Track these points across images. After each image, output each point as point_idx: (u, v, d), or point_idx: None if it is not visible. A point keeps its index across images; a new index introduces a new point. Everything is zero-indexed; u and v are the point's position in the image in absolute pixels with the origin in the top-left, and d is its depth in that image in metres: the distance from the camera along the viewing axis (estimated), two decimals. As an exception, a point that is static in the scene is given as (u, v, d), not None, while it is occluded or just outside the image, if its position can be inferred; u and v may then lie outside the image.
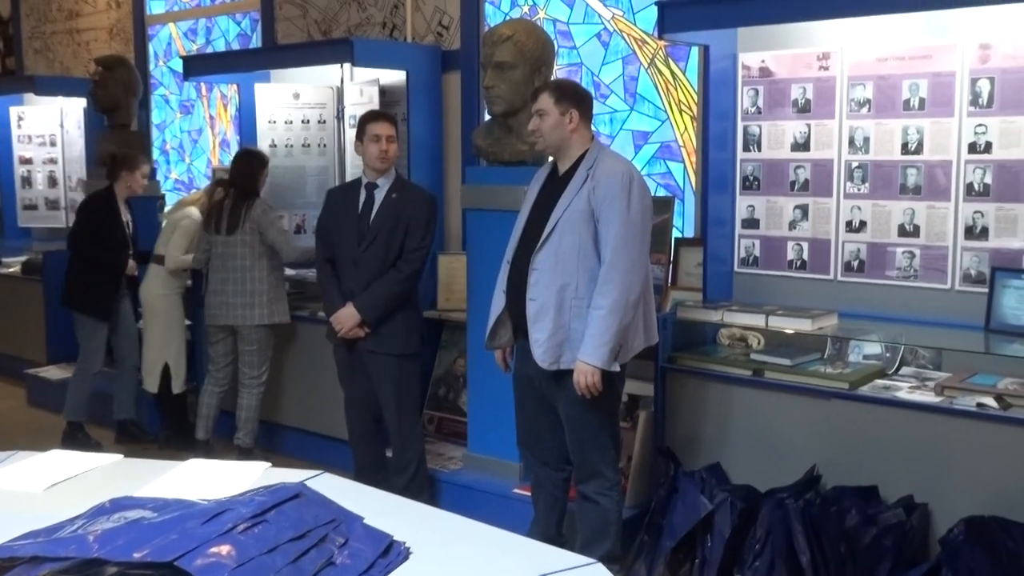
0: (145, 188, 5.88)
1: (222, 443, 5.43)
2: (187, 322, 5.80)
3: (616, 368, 3.40)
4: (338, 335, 4.35)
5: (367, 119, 4.38)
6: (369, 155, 4.34)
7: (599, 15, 5.09)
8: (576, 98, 3.53)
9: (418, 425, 4.58)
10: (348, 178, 5.83)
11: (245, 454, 5.24)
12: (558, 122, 3.50)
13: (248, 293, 5.15)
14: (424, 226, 4.34)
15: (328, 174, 6.04)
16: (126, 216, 5.78)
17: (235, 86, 6.66)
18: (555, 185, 3.55)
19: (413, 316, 4.46)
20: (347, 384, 4.52)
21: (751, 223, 4.31)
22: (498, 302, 3.65)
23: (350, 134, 5.84)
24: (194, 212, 5.64)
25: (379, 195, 4.37)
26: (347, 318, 4.31)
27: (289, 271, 5.44)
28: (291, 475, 2.31)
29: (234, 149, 7.19)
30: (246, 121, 6.18)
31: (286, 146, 6.00)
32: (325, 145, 6.04)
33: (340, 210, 4.41)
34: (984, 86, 3.67)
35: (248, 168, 5.22)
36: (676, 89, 4.86)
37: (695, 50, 4.71)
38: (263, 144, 5.90)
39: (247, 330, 5.18)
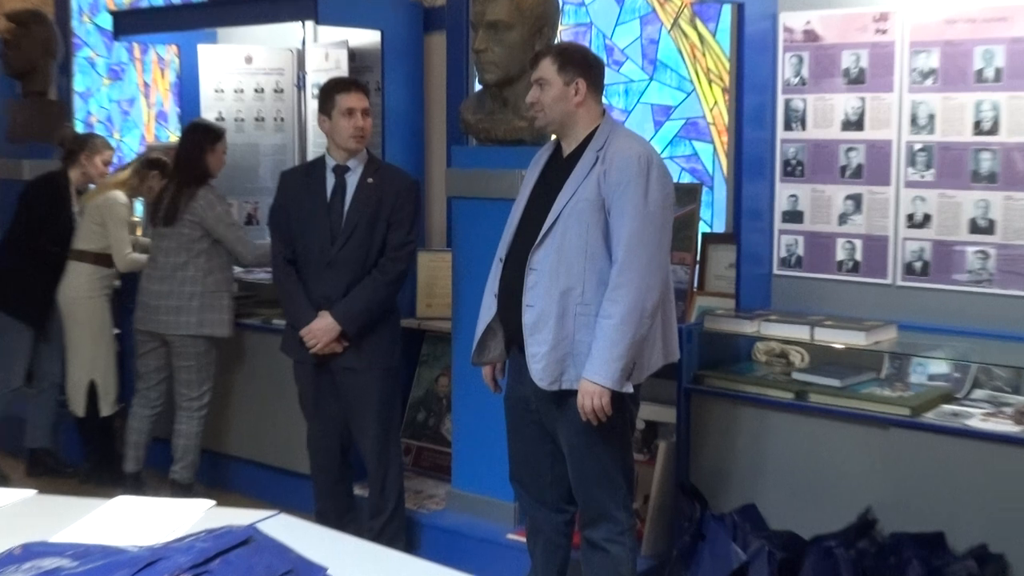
0: (103, 177, 5.88)
1: (156, 477, 5.43)
2: (115, 330, 5.80)
3: (629, 389, 3.40)
4: (310, 351, 4.34)
5: (335, 89, 4.36)
6: (341, 133, 4.31)
7: (612, -35, 5.13)
8: (584, 65, 3.53)
9: (401, 456, 4.59)
10: (310, 159, 5.81)
11: (184, 490, 5.23)
12: (562, 94, 3.51)
13: (177, 296, 5.14)
14: (410, 217, 4.35)
15: (286, 153, 6.04)
16: (77, 207, 5.79)
17: (175, 47, 6.65)
18: (558, 169, 3.55)
19: (396, 323, 4.48)
20: (311, 408, 4.51)
21: (793, 216, 4.31)
22: (488, 308, 3.64)
23: (313, 106, 5.83)
24: (121, 196, 5.64)
25: (352, 180, 4.35)
26: (324, 331, 4.29)
27: (238, 269, 5.44)
28: (240, 516, 2.31)
29: (173, 123, 7.19)
30: (188, 90, 6.17)
31: (236, 120, 6.00)
32: (283, 119, 6.04)
33: (302, 200, 4.38)
34: (1073, 54, 3.69)
35: (192, 146, 5.20)
36: (704, 55, 4.86)
37: (727, 9, 4.71)
38: (208, 117, 5.88)
39: (178, 341, 5.17)
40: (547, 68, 3.52)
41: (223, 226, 5.08)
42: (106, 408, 5.71)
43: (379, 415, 4.39)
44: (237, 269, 5.41)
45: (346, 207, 4.32)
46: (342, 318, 4.27)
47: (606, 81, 3.71)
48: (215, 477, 5.63)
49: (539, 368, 3.44)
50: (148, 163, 5.71)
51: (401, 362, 4.51)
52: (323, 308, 4.31)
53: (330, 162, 4.38)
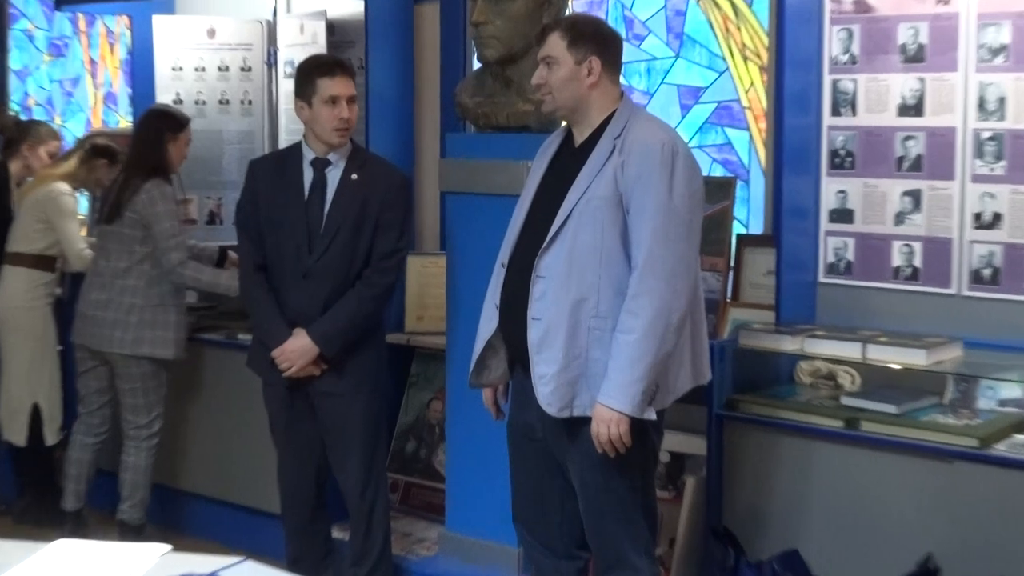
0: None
1: (101, 516, 5.42)
2: (58, 346, 5.80)
3: (651, 415, 3.40)
4: (283, 373, 4.32)
5: (316, 71, 4.32)
6: (323, 126, 4.28)
7: (632, -75, 5.13)
8: (598, 41, 3.53)
9: (387, 493, 4.59)
10: (282, 146, 5.80)
11: (133, 533, 5.23)
12: (573, 74, 3.51)
13: (115, 308, 5.13)
14: (400, 220, 4.35)
15: (254, 141, 6.04)
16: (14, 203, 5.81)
17: (125, 19, 6.64)
18: (569, 160, 3.55)
19: (381, 339, 4.48)
20: (283, 435, 4.50)
21: (842, 215, 4.30)
22: (488, 321, 3.64)
23: (286, 87, 5.84)
24: (66, 188, 5.64)
25: (334, 176, 4.34)
26: (300, 352, 4.28)
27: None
28: (199, 563, 2.31)
29: (124, 106, 7.19)
30: (140, 68, 6.17)
31: (197, 103, 5.99)
32: (251, 102, 6.04)
33: (275, 197, 4.37)
34: None
35: (151, 134, 5.20)
36: (739, 29, 4.86)
37: (766, -25, 4.73)
38: (164, 99, 5.90)
39: (120, 362, 5.17)
40: (556, 44, 3.52)
41: (160, 228, 5.03)
42: (51, 436, 5.69)
43: (362, 446, 4.38)
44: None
45: (326, 208, 4.31)
46: (321, 339, 4.26)
47: (624, 59, 3.71)
48: (170, 517, 5.62)
49: (547, 391, 3.44)
50: (95, 151, 5.71)
51: (388, 384, 4.50)
52: (298, 325, 4.29)
53: (308, 154, 4.36)
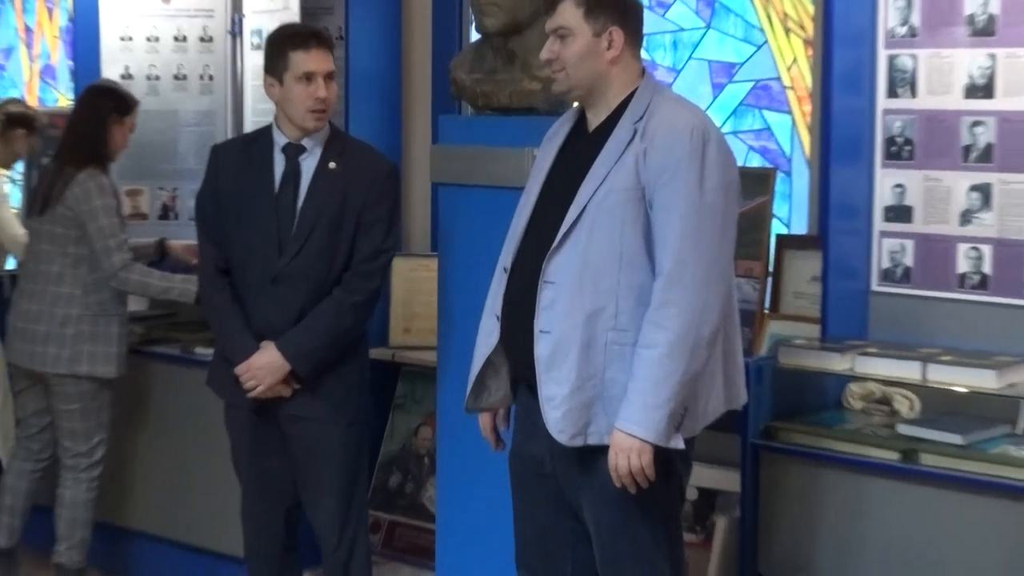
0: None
1: (36, 558, 5.41)
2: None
3: (679, 444, 3.39)
4: (248, 393, 4.32)
5: (289, 43, 4.31)
6: (296, 107, 4.29)
7: None
8: (618, 9, 3.53)
9: (367, 534, 4.59)
10: (248, 128, 5.82)
11: (72, 577, 5.24)
12: (591, 47, 3.50)
13: (48, 319, 5.14)
14: (387, 216, 4.35)
15: (215, 123, 6.05)
16: None
17: (66, -20, 6.67)
18: (582, 148, 3.55)
19: (363, 355, 4.48)
20: (248, 468, 4.51)
21: (900, 213, 4.31)
22: (488, 335, 3.64)
23: (252, 60, 5.84)
24: None
25: (309, 165, 4.34)
26: (268, 369, 4.27)
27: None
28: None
29: (64, 81, 7.19)
30: (84, 38, 6.16)
31: (149, 78, 6.01)
32: (211, 77, 6.04)
33: (241, 189, 4.36)
34: None
35: (92, 114, 5.21)
36: (780, -5, 4.89)
37: (811, -67, 4.74)
38: (111, 74, 5.91)
39: (55, 381, 5.17)
40: (570, 13, 3.51)
41: (94, 224, 5.03)
42: (4, 452, 5.65)
43: (339, 481, 4.38)
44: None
45: (300, 202, 4.31)
46: (293, 354, 4.25)
47: (646, 30, 3.71)
48: (115, 560, 5.63)
49: (557, 416, 3.43)
50: (10, 120, 5.72)
51: (369, 407, 4.49)
52: (266, 338, 4.29)
53: (279, 139, 4.36)
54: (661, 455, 3.36)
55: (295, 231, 4.29)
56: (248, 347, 4.30)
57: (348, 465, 4.40)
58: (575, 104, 3.72)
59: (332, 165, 4.33)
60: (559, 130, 3.70)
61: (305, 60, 4.26)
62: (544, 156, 3.68)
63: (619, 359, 3.39)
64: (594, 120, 3.57)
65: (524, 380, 3.58)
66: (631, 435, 3.33)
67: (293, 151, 4.35)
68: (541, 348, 3.44)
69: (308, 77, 4.26)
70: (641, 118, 3.45)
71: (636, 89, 3.53)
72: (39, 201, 5.14)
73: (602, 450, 3.41)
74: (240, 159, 4.43)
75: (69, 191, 5.05)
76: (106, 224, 5.05)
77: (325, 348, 4.28)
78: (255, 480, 4.50)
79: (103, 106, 5.20)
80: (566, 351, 3.41)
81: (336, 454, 4.37)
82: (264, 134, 4.43)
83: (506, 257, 3.63)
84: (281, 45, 4.31)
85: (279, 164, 4.35)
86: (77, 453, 5.23)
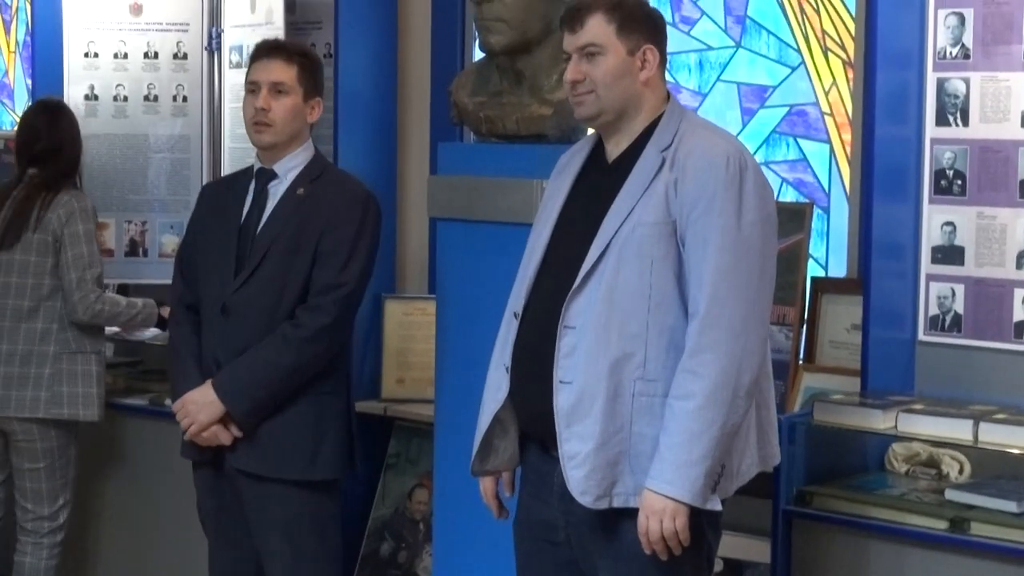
0: None
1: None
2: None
3: (716, 506, 3.38)
4: (183, 433, 4.34)
5: (252, 56, 4.46)
6: (245, 120, 4.40)
7: None
8: (651, 25, 3.54)
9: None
10: (227, 158, 5.84)
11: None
12: (624, 67, 3.49)
13: (21, 360, 5.14)
14: (349, 245, 4.32)
15: (189, 149, 6.04)
16: None
17: (26, -11, 6.68)
18: (601, 179, 3.55)
19: (332, 409, 4.44)
20: (212, 525, 4.53)
21: (950, 254, 4.31)
22: (496, 389, 3.62)
23: (232, 79, 5.84)
24: None
25: (276, 191, 4.38)
26: (200, 404, 4.28)
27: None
28: None
29: (22, 101, 7.19)
30: (44, 53, 6.19)
31: (116, 99, 6.02)
32: (185, 98, 6.05)
33: (214, 220, 4.42)
34: None
35: (65, 130, 5.27)
36: (818, 12, 4.88)
37: (852, -56, 4.75)
38: (75, 93, 5.92)
39: (22, 431, 5.16)
40: (600, 29, 3.50)
41: (76, 251, 5.08)
42: None
43: (289, 552, 4.34)
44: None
45: (260, 228, 4.34)
46: (226, 389, 4.24)
47: (669, 48, 3.71)
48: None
49: (580, 475, 3.39)
50: None
51: (343, 469, 4.43)
52: (215, 374, 4.32)
53: (256, 165, 4.44)
54: (696, 519, 3.35)
55: (250, 257, 4.31)
56: (189, 381, 4.33)
57: (298, 534, 4.35)
58: (590, 131, 3.71)
59: (300, 191, 4.35)
60: (572, 160, 3.70)
61: (252, 70, 4.38)
62: (557, 189, 3.67)
63: (648, 412, 3.38)
64: (614, 149, 3.56)
65: (537, 438, 3.56)
66: (664, 495, 3.31)
67: (265, 177, 4.40)
68: (562, 400, 3.43)
69: (252, 88, 4.34)
70: (669, 146, 3.45)
71: (662, 114, 3.54)
72: (6, 232, 5.14)
73: (626, 513, 3.40)
74: (222, 191, 4.52)
75: (50, 214, 5.07)
76: (87, 252, 5.10)
77: (262, 387, 4.25)
78: (219, 540, 4.51)
79: (73, 120, 5.27)
80: (590, 403, 3.39)
81: (281, 518, 4.33)
82: (252, 166, 4.50)
83: (516, 301, 3.61)
84: (250, 60, 4.45)
85: (250, 193, 4.40)
86: (39, 516, 5.23)
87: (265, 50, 4.41)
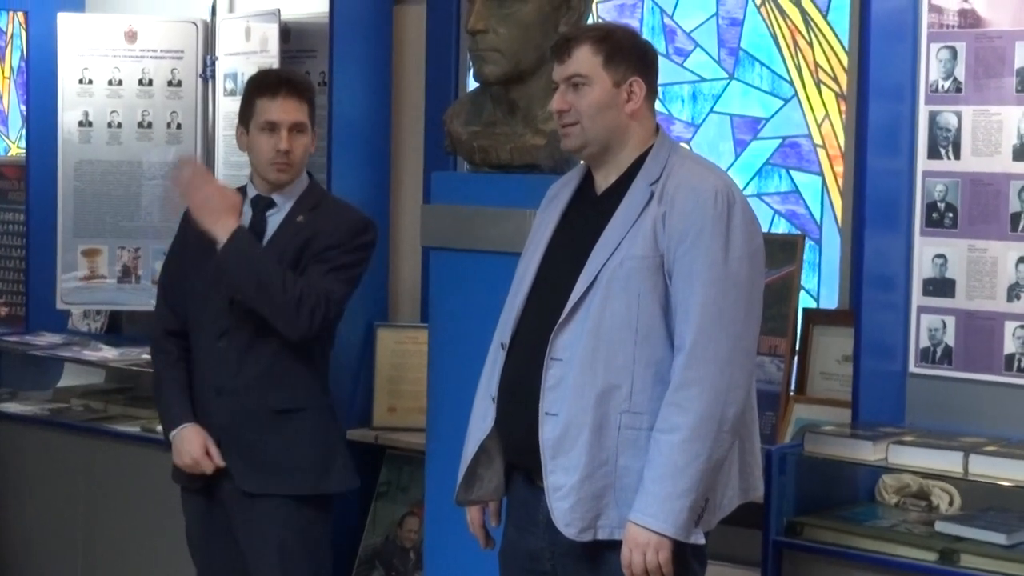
0: None
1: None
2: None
3: (700, 540, 3.39)
4: (182, 468, 4.37)
5: (257, 90, 4.40)
6: (259, 158, 4.36)
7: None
8: (638, 57, 3.55)
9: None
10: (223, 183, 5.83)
11: None
12: (609, 99, 3.51)
13: None
14: (343, 259, 4.34)
15: (183, 177, 6.06)
16: None
17: (20, 15, 6.67)
18: (589, 211, 3.57)
19: (333, 423, 4.49)
20: (201, 553, 4.54)
21: (941, 287, 4.32)
22: (481, 419, 3.63)
23: (226, 106, 5.86)
24: None
25: (275, 219, 4.40)
26: (198, 443, 4.32)
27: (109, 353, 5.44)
28: None
29: (15, 127, 7.20)
30: (39, 80, 6.23)
31: (110, 125, 6.03)
32: (179, 125, 6.05)
33: (204, 245, 4.37)
34: None
35: None
36: (811, 45, 4.90)
37: (846, -23, 4.77)
38: (69, 119, 5.95)
39: None
40: (586, 60, 3.51)
41: None
42: None
43: (279, 570, 4.34)
44: (110, 351, 5.41)
45: None
46: (230, 247, 4.22)
47: (662, 79, 3.73)
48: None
49: (565, 507, 3.40)
50: None
51: (339, 485, 4.45)
52: (210, 403, 4.33)
53: (250, 191, 4.44)
54: (680, 553, 3.36)
55: None
56: (178, 416, 4.36)
57: (291, 555, 4.35)
58: (581, 162, 3.73)
59: (300, 219, 4.37)
60: (561, 191, 3.70)
61: (269, 108, 4.32)
62: (545, 220, 3.68)
63: (633, 445, 3.39)
64: (603, 181, 3.57)
65: (522, 469, 3.57)
66: (648, 529, 3.32)
67: (262, 204, 4.40)
68: (547, 432, 3.43)
69: (271, 127, 4.31)
70: (657, 179, 3.46)
71: (651, 147, 3.55)
72: None
73: (611, 545, 3.40)
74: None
75: None
76: None
77: (258, 267, 4.23)
78: (208, 566, 4.54)
79: None
80: (576, 435, 3.40)
81: (274, 539, 4.33)
82: (240, 189, 4.48)
83: (504, 332, 3.61)
84: (250, 91, 4.41)
85: (246, 218, 4.39)
86: None
87: (282, 88, 4.36)
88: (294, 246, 4.32)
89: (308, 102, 4.39)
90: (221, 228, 4.24)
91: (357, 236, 4.39)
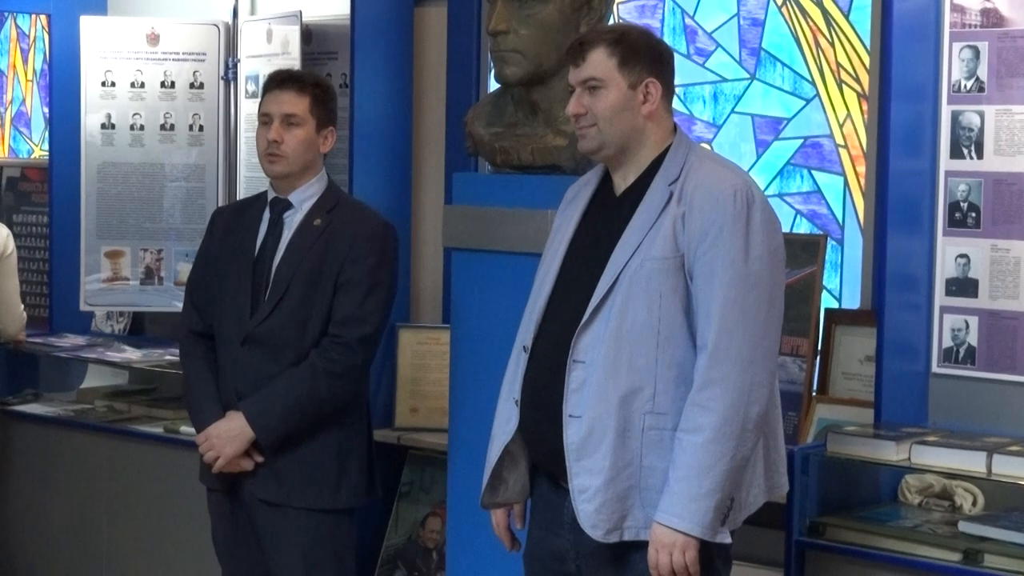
0: None
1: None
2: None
3: (726, 539, 3.39)
4: (211, 468, 4.35)
5: (264, 86, 4.49)
6: (257, 150, 4.43)
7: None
8: (654, 58, 3.54)
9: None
10: (242, 187, 5.87)
11: None
12: (626, 101, 3.51)
13: None
14: (370, 277, 4.35)
15: (204, 178, 6.08)
16: None
17: (43, 18, 6.70)
18: (608, 212, 3.57)
19: (351, 439, 4.46)
20: (225, 552, 4.54)
21: (964, 287, 4.32)
22: (505, 422, 3.63)
23: (247, 109, 5.87)
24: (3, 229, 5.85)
25: (292, 221, 4.40)
26: (228, 438, 4.30)
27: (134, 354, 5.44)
28: None
29: (38, 129, 7.23)
30: (62, 82, 6.25)
31: (132, 128, 6.05)
32: (202, 127, 6.07)
33: (227, 248, 4.44)
34: None
35: None
36: (832, 45, 4.89)
37: (867, -23, 4.76)
38: (92, 122, 5.97)
39: None
40: (601, 62, 3.52)
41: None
42: None
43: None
44: (133, 353, 5.42)
45: (277, 260, 4.36)
46: (256, 415, 4.25)
47: (684, 80, 3.73)
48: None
49: (590, 509, 3.40)
50: None
51: (362, 497, 4.45)
52: (232, 407, 4.32)
53: (270, 194, 4.45)
54: (705, 553, 3.36)
55: (269, 290, 4.33)
56: (209, 412, 4.34)
57: (315, 560, 4.36)
58: (599, 163, 3.73)
59: (317, 222, 4.37)
60: (580, 193, 3.70)
61: (264, 101, 4.39)
62: (565, 221, 3.68)
63: (658, 445, 3.39)
64: (622, 182, 3.57)
65: (546, 471, 3.57)
66: (674, 529, 3.32)
67: (279, 207, 4.41)
68: (571, 435, 3.43)
69: (265, 119, 4.35)
70: (676, 179, 3.46)
71: (669, 147, 3.55)
72: None
73: (636, 546, 3.41)
74: (232, 220, 4.52)
75: None
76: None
77: (293, 418, 4.27)
78: (233, 567, 4.53)
79: None
80: (600, 437, 3.40)
81: (298, 545, 4.34)
82: (260, 197, 4.52)
83: (525, 335, 3.61)
84: (262, 90, 4.48)
85: (264, 223, 4.42)
86: None
87: (277, 81, 4.42)
88: (313, 256, 4.32)
89: (311, 96, 4.39)
90: (239, 442, 4.28)
91: (377, 247, 4.39)
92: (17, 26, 7.45)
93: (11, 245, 5.96)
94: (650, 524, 3.36)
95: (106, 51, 6.05)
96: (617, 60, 3.50)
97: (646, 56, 3.52)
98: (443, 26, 5.53)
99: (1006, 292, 4.25)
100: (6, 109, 7.55)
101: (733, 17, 5.09)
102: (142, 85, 6.05)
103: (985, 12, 4.24)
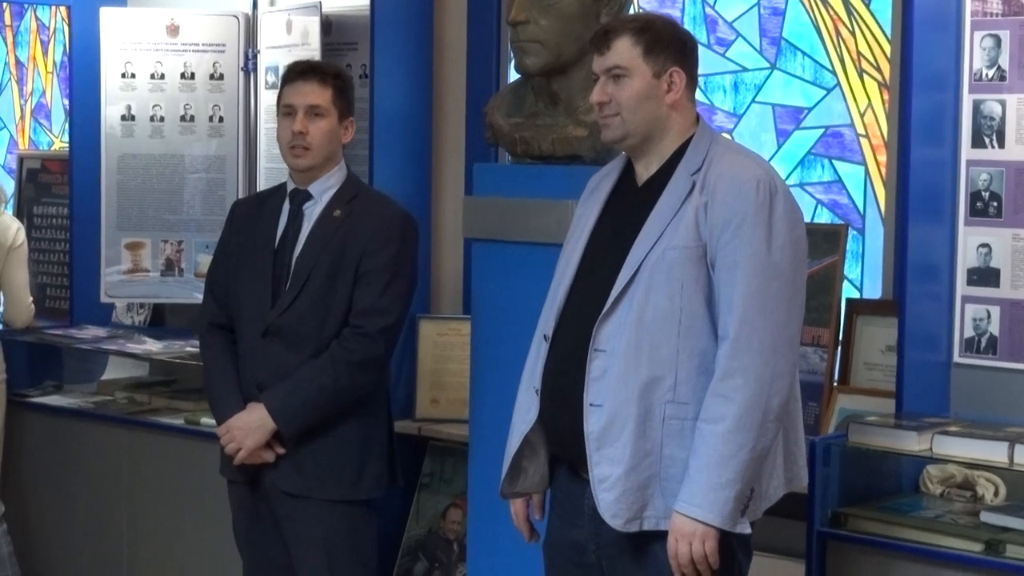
0: None
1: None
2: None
3: (746, 529, 3.39)
4: (232, 459, 4.36)
5: (284, 77, 4.48)
6: (280, 142, 4.42)
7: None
8: (678, 47, 3.55)
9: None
10: (262, 178, 5.89)
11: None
12: (649, 90, 3.51)
13: None
14: (390, 268, 4.36)
15: (224, 169, 6.09)
16: None
17: (63, 9, 6.71)
18: (631, 202, 3.56)
19: (372, 430, 4.48)
20: (246, 543, 4.55)
21: (985, 276, 4.31)
22: (525, 411, 3.63)
23: (268, 100, 5.88)
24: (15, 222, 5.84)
25: (312, 213, 4.41)
26: (249, 429, 4.32)
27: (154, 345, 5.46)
28: None
29: (58, 121, 7.24)
30: (82, 73, 6.26)
31: (152, 119, 6.07)
32: (222, 119, 6.08)
33: (247, 240, 4.45)
34: None
35: None
36: (853, 34, 4.88)
37: (888, -33, 4.75)
38: (112, 114, 5.98)
39: None
40: (626, 51, 3.51)
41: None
42: None
43: (332, 571, 4.36)
44: (154, 344, 5.43)
45: (297, 251, 4.37)
46: (278, 408, 4.27)
47: (704, 70, 3.73)
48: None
49: (611, 498, 3.41)
50: None
51: (383, 489, 4.47)
52: (255, 396, 4.33)
53: (289, 185, 4.46)
54: (725, 543, 3.36)
55: (289, 282, 4.34)
56: (231, 405, 4.35)
57: (336, 551, 4.37)
58: (622, 152, 3.73)
59: (336, 213, 4.38)
60: (602, 183, 3.71)
61: (286, 93, 4.38)
62: (586, 211, 3.69)
63: (678, 435, 3.39)
64: (644, 172, 3.57)
65: (566, 460, 3.58)
66: (694, 519, 3.32)
67: (299, 198, 4.42)
68: (592, 423, 3.43)
69: (288, 111, 4.35)
70: (699, 169, 3.46)
71: (691, 137, 3.55)
72: None
73: (656, 536, 3.41)
74: (252, 211, 4.54)
75: None
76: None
77: (314, 409, 4.28)
78: (254, 558, 4.54)
79: None
80: (621, 426, 3.40)
81: (320, 535, 4.35)
82: (278, 189, 4.53)
83: (546, 324, 3.62)
84: (280, 81, 4.48)
85: (284, 214, 4.43)
86: None
87: (298, 72, 4.41)
88: (332, 248, 4.33)
89: (333, 87, 4.39)
90: (261, 434, 4.30)
91: (397, 238, 4.40)
92: (37, 18, 7.47)
93: (21, 237, 6.00)
94: (670, 514, 3.37)
95: (126, 43, 6.06)
96: (642, 49, 3.49)
97: (671, 45, 3.52)
98: (463, 16, 5.53)
99: (1028, 282, 4.25)
100: (26, 101, 7.57)
101: (754, 6, 5.09)
102: (162, 76, 6.06)
103: (1007, 0, 4.23)
